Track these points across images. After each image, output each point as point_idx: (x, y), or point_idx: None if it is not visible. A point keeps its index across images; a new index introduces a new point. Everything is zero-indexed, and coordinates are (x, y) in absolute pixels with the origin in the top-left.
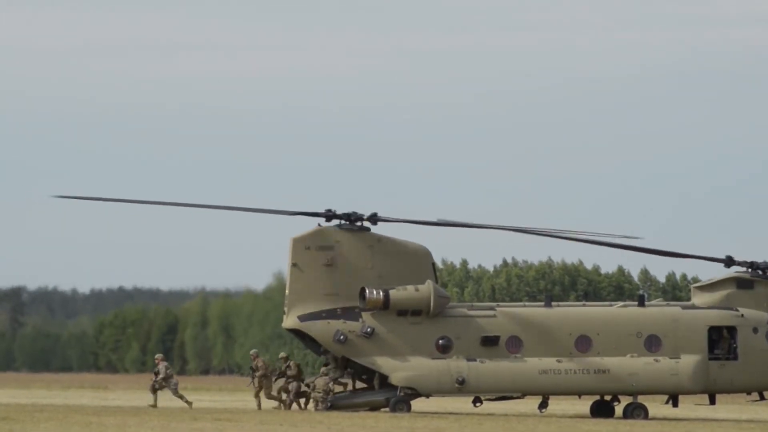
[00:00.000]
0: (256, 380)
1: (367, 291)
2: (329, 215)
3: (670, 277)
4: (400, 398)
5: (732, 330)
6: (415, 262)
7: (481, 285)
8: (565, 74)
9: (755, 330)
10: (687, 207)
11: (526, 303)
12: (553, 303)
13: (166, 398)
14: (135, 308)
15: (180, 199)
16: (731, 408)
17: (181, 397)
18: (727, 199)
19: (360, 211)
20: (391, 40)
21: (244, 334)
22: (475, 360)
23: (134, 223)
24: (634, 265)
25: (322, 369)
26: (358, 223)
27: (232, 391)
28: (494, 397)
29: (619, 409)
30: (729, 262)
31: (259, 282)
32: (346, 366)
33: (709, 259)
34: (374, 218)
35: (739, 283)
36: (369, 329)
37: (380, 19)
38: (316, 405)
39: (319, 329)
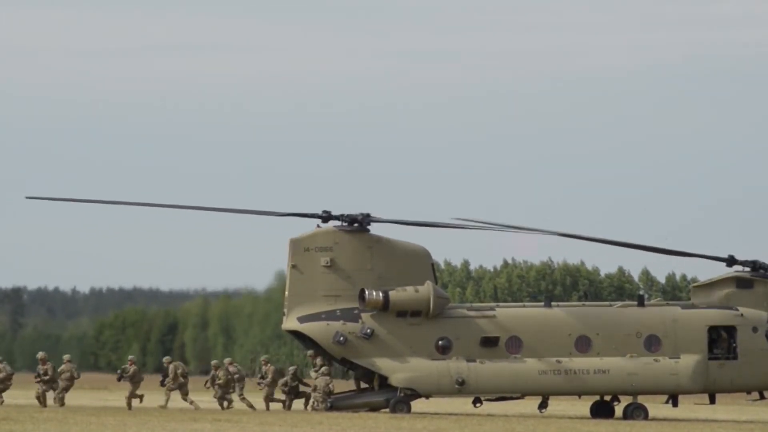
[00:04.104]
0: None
1: (366, 292)
2: (325, 216)
3: (670, 277)
4: (399, 399)
5: (732, 329)
6: (415, 262)
7: (481, 285)
8: (566, 76)
9: (755, 329)
10: (688, 207)
11: (526, 303)
12: (553, 303)
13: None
14: (135, 309)
15: (180, 200)
16: (731, 408)
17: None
18: (729, 200)
19: (359, 212)
20: (389, 42)
21: (245, 335)
22: (474, 361)
23: (134, 224)
24: (634, 265)
25: (323, 369)
26: (357, 224)
27: (232, 392)
28: (494, 398)
29: (619, 410)
30: (731, 261)
31: (260, 283)
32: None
33: (711, 258)
34: (367, 219)
35: (739, 282)
36: (368, 330)
37: (379, 21)
38: (316, 405)
39: (318, 331)
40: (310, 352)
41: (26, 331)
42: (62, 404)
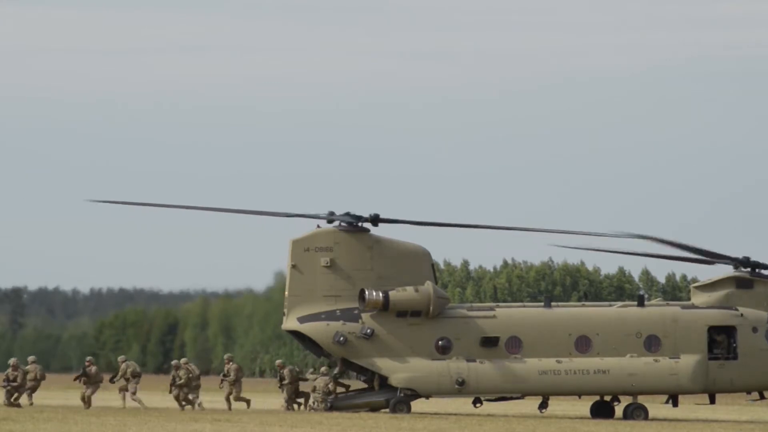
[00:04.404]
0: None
1: (366, 292)
2: (329, 217)
3: (670, 277)
4: (400, 399)
5: (731, 330)
6: (415, 263)
7: (481, 285)
8: (567, 76)
9: (755, 329)
10: (688, 207)
11: (526, 303)
12: (553, 303)
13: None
14: (135, 309)
15: (180, 200)
16: (731, 408)
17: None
18: (730, 199)
19: (360, 213)
20: (391, 42)
21: (245, 335)
22: (474, 361)
23: (134, 224)
24: (634, 265)
25: (322, 369)
26: (359, 225)
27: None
28: (494, 398)
29: (619, 410)
30: (738, 262)
31: (260, 283)
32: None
33: (714, 257)
34: (375, 219)
35: (739, 282)
36: (368, 330)
37: (381, 21)
38: (315, 405)
39: (318, 331)
40: (278, 361)
41: (26, 331)
42: (30, 403)
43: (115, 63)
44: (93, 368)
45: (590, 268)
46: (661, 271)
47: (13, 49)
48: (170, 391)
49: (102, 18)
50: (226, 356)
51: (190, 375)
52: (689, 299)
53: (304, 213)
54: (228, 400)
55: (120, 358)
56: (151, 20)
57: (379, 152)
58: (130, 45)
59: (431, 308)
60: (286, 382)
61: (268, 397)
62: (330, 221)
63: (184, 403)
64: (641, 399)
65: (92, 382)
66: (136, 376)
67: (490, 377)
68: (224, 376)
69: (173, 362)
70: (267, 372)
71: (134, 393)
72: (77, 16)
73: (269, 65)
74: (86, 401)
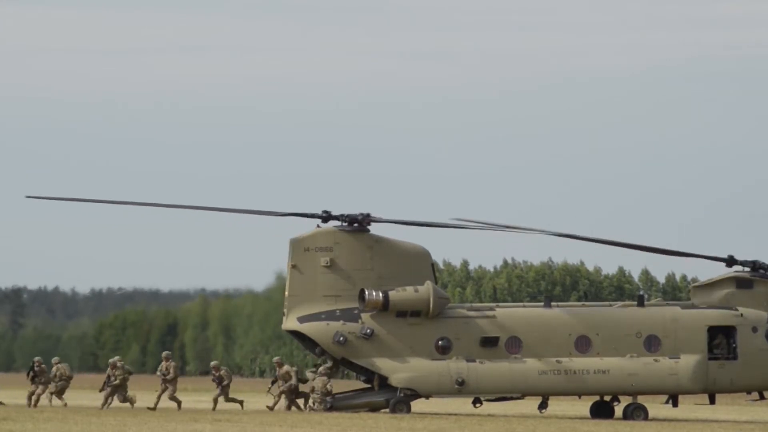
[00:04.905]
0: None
1: (366, 292)
2: (325, 216)
3: (670, 277)
4: (399, 399)
5: (731, 330)
6: (415, 263)
7: (482, 286)
8: (566, 76)
9: (755, 329)
10: (688, 207)
11: (526, 303)
12: (553, 303)
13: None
14: (135, 309)
15: (180, 200)
16: (731, 408)
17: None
18: (729, 200)
19: (359, 212)
20: (391, 42)
21: (245, 335)
22: (474, 361)
23: (134, 224)
24: (634, 265)
25: (320, 369)
26: (357, 224)
27: (232, 392)
28: (494, 398)
29: (619, 410)
30: (730, 261)
31: (260, 283)
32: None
33: (711, 259)
34: (367, 219)
35: (739, 282)
36: (368, 330)
37: (381, 21)
38: (314, 406)
39: (318, 331)
40: (213, 363)
41: (26, 331)
42: None
43: (115, 63)
44: (43, 367)
45: (590, 268)
46: (661, 271)
47: (13, 49)
48: (101, 390)
49: (102, 18)
50: (164, 354)
51: (125, 375)
52: (689, 299)
53: (301, 212)
54: (166, 398)
55: (54, 360)
56: (151, 20)
57: (379, 152)
58: (130, 45)
59: (431, 308)
60: (225, 383)
61: (267, 397)
62: (326, 221)
63: (125, 402)
64: (641, 399)
65: (42, 381)
66: (63, 379)
67: (490, 377)
68: (164, 375)
69: (110, 360)
70: (267, 372)
71: (54, 392)
72: (77, 16)
73: (269, 65)
74: (30, 399)
